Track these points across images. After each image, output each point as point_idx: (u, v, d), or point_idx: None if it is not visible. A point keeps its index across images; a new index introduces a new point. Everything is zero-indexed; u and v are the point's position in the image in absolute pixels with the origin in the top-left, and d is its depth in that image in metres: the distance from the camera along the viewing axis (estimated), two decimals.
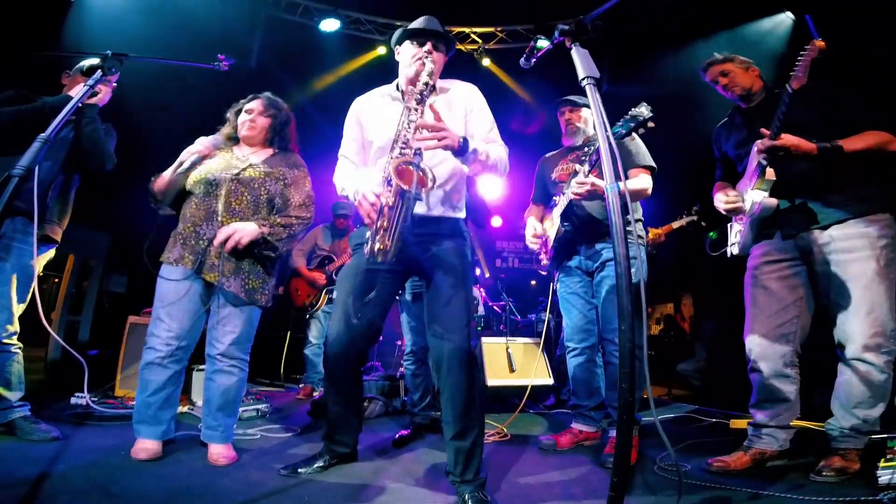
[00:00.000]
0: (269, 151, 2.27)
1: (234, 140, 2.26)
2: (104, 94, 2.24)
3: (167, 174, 2.10)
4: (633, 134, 2.02)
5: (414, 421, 2.65)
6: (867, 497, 1.58)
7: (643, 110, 1.96)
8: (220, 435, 2.03)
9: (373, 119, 1.89)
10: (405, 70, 1.87)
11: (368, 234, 1.62)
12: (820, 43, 1.78)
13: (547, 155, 2.75)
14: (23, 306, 2.15)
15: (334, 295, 1.98)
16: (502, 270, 7.81)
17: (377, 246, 1.55)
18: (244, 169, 2.13)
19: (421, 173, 1.54)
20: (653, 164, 2.38)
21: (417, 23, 1.87)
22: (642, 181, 2.33)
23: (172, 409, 2.03)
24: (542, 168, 2.72)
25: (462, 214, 1.91)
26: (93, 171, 2.28)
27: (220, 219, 2.04)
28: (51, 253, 2.35)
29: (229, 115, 2.30)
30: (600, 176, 2.17)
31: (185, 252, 2.02)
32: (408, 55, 1.85)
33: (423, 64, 1.74)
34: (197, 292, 2.03)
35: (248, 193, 2.10)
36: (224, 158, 2.16)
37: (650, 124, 1.96)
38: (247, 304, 2.06)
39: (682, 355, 5.24)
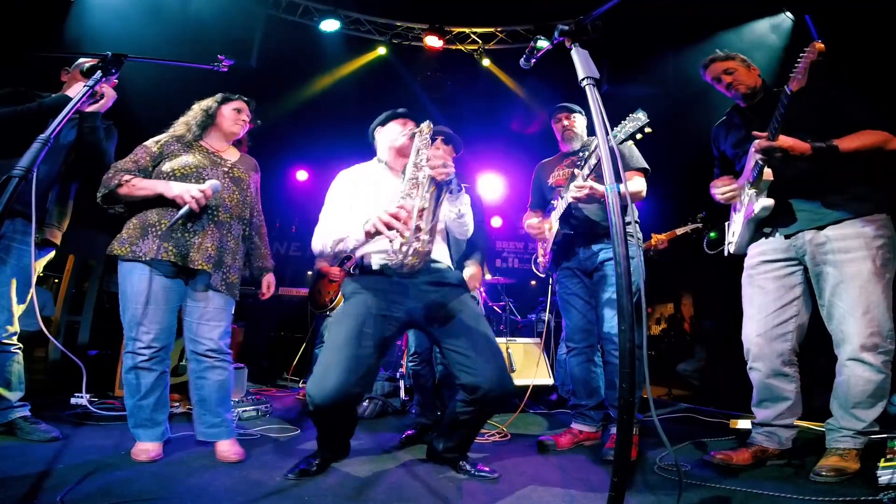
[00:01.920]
0: (237, 152, 2.29)
1: (197, 132, 2.16)
2: (107, 100, 2.19)
3: (147, 188, 1.95)
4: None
5: (418, 421, 2.64)
6: (867, 497, 1.58)
7: (640, 116, 1.98)
8: (225, 431, 2.04)
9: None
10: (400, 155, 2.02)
11: (391, 251, 1.65)
12: (820, 45, 1.77)
13: (543, 161, 2.79)
14: (23, 307, 2.16)
15: (327, 335, 1.81)
16: (502, 271, 7.80)
17: (414, 247, 1.61)
18: (231, 168, 2.17)
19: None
20: (646, 166, 2.43)
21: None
22: (637, 183, 2.38)
23: (166, 409, 2.03)
24: (538, 174, 2.75)
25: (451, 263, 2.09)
26: (94, 176, 2.28)
27: (214, 213, 2.04)
28: (50, 255, 2.35)
29: (209, 103, 2.19)
30: (597, 179, 2.19)
31: (167, 245, 1.93)
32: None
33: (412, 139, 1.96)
34: (172, 289, 2.00)
35: (238, 192, 2.15)
36: (201, 154, 2.12)
37: (647, 129, 1.98)
38: (227, 297, 2.10)
39: (682, 355, 5.24)
